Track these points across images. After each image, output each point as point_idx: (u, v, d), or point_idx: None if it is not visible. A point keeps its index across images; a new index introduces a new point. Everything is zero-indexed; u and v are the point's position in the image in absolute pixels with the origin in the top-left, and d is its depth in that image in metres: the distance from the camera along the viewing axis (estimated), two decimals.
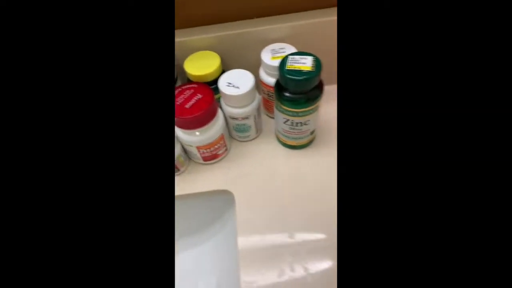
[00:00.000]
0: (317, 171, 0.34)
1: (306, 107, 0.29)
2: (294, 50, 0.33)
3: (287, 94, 0.29)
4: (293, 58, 0.28)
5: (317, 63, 0.27)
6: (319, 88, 0.30)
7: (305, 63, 0.27)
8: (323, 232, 0.30)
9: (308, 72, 0.27)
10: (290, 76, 0.27)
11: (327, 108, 0.37)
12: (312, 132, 0.34)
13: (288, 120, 0.31)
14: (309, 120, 0.31)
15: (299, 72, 0.27)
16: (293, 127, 0.32)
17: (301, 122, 0.31)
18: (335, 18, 0.34)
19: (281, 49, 0.33)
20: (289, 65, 0.27)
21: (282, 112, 0.31)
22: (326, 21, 0.34)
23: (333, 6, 0.35)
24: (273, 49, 0.33)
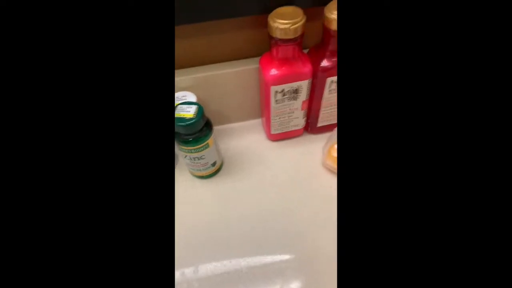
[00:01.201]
0: (218, 197, 0.41)
1: (196, 145, 0.36)
2: (194, 98, 0.40)
3: (179, 136, 0.35)
4: (181, 107, 0.35)
5: (199, 111, 0.34)
6: (209, 128, 0.37)
7: (189, 111, 0.34)
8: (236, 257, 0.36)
9: (189, 119, 0.34)
10: (175, 123, 0.33)
11: (232, 143, 0.44)
12: (213, 164, 0.41)
13: (186, 155, 0.38)
14: (204, 155, 0.38)
15: (182, 119, 0.34)
16: (192, 161, 0.38)
17: (197, 157, 0.38)
18: (229, 70, 0.42)
19: (183, 96, 0.40)
20: (176, 113, 0.34)
21: (180, 149, 0.37)
22: (224, 73, 0.42)
23: (227, 60, 0.43)
24: (177, 97, 0.40)
